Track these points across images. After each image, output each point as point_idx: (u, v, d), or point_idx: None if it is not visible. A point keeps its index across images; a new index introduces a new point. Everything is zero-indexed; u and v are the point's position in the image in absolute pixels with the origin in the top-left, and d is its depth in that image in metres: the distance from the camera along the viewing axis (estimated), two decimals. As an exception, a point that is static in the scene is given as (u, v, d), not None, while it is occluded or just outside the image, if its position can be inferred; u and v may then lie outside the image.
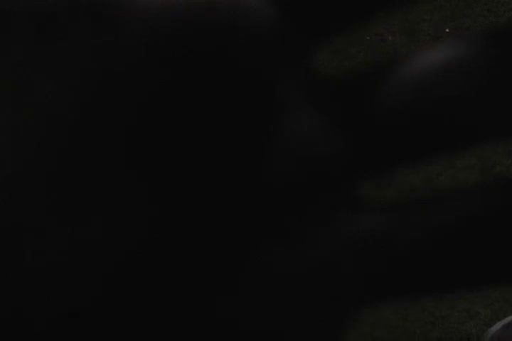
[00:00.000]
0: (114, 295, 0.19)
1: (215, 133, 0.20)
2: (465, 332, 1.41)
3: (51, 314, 0.19)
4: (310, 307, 0.21)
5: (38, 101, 0.19)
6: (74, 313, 0.19)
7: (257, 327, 0.20)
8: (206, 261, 0.20)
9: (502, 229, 0.20)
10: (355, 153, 0.21)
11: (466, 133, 0.21)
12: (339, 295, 0.21)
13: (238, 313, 0.20)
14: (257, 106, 0.20)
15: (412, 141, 0.21)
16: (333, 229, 0.21)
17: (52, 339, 0.19)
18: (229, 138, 0.20)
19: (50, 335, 0.19)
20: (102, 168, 0.19)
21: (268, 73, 0.20)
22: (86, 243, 0.19)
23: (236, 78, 0.20)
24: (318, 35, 0.21)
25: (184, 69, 0.20)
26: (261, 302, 0.20)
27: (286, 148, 0.21)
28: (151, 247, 0.19)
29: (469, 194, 0.21)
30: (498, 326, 1.44)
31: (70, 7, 0.19)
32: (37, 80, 0.19)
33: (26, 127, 0.19)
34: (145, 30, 0.19)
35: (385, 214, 0.21)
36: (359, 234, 0.21)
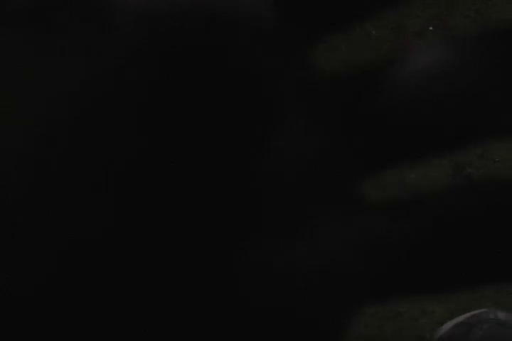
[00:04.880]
0: (111, 293, 0.19)
1: (212, 133, 0.20)
2: (418, 329, 1.42)
3: (52, 314, 0.19)
4: (309, 306, 0.21)
5: (36, 101, 0.19)
6: (73, 312, 0.19)
7: (256, 327, 0.20)
8: (206, 262, 0.20)
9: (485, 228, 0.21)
10: (355, 152, 0.21)
11: (438, 135, 0.21)
12: (339, 295, 0.21)
13: (238, 313, 0.20)
14: (255, 106, 0.20)
15: (411, 141, 0.21)
16: (333, 229, 0.21)
17: (52, 337, 0.19)
18: (227, 139, 0.20)
19: (50, 334, 0.19)
20: (100, 167, 0.19)
21: (267, 72, 0.20)
22: (86, 242, 0.19)
23: (235, 78, 0.20)
24: (316, 33, 0.21)
25: (183, 69, 0.20)
26: (260, 302, 0.20)
27: (285, 147, 0.21)
28: (150, 248, 0.19)
29: (439, 195, 0.21)
30: (449, 324, 1.45)
31: (66, 5, 0.19)
32: (34, 80, 0.19)
33: (24, 129, 0.19)
34: (143, 29, 0.19)
35: (385, 214, 0.21)
36: (359, 234, 0.21)
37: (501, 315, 1.41)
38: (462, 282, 0.21)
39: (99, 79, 0.19)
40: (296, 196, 0.21)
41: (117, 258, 0.19)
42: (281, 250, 0.21)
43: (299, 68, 0.21)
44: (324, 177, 0.21)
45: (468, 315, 1.41)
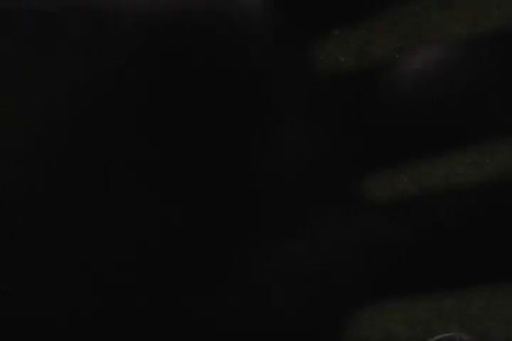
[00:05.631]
0: (108, 294, 0.19)
1: (213, 133, 0.20)
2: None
3: (52, 313, 0.19)
4: (309, 306, 0.21)
5: (36, 101, 0.19)
6: (75, 311, 0.19)
7: (256, 326, 0.20)
8: (206, 261, 0.20)
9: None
10: (355, 152, 0.21)
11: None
12: (338, 295, 0.21)
13: (237, 312, 0.20)
14: (255, 106, 0.20)
15: (411, 141, 0.21)
16: (333, 229, 0.21)
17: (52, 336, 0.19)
18: (228, 139, 0.20)
19: (50, 334, 0.19)
20: (100, 166, 0.19)
21: (267, 72, 0.20)
22: (86, 242, 0.19)
23: (235, 77, 0.20)
24: (316, 33, 0.21)
25: (183, 69, 0.20)
26: (260, 302, 0.20)
27: (285, 148, 0.21)
28: (149, 247, 0.19)
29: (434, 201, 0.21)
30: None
31: (68, 6, 0.19)
32: (34, 80, 0.19)
33: (24, 129, 0.19)
34: (143, 29, 0.19)
35: (385, 214, 0.21)
36: (359, 234, 0.21)
37: (466, 339, 1.41)
38: (462, 282, 0.21)
39: (99, 79, 0.19)
40: (296, 196, 0.21)
41: (116, 259, 0.19)
42: (281, 250, 0.20)
43: (299, 68, 0.21)
44: (324, 177, 0.21)
45: (434, 339, 1.41)
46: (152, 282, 0.19)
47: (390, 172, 0.22)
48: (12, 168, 0.19)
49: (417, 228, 0.21)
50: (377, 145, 0.21)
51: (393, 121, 0.21)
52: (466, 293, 0.20)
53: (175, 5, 0.20)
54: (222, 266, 0.20)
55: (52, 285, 0.19)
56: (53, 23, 0.20)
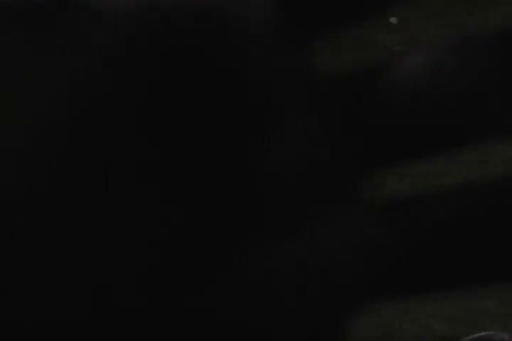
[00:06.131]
0: (107, 295, 0.19)
1: (213, 133, 0.20)
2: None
3: (53, 313, 0.19)
4: (309, 306, 0.21)
5: (36, 101, 0.19)
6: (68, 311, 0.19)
7: (256, 327, 0.20)
8: (206, 261, 0.20)
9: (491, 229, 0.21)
10: (355, 152, 0.21)
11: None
12: (339, 295, 0.21)
13: (238, 312, 0.20)
14: (256, 106, 0.20)
15: (411, 141, 0.21)
16: (333, 229, 0.21)
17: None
18: (228, 139, 0.20)
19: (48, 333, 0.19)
20: (100, 167, 0.19)
21: (267, 72, 0.20)
22: (85, 242, 0.19)
23: (235, 77, 0.20)
24: (316, 33, 0.21)
25: (183, 69, 0.20)
26: (260, 302, 0.20)
27: (285, 147, 0.21)
28: (149, 247, 0.19)
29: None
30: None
31: (66, 5, 0.19)
32: (34, 80, 0.19)
33: (24, 129, 0.19)
34: (143, 29, 0.19)
35: (385, 214, 0.21)
36: (359, 234, 0.21)
37: (507, 338, 1.40)
38: (462, 282, 0.21)
39: (99, 79, 0.19)
40: (296, 196, 0.21)
41: (115, 258, 0.19)
42: (281, 250, 0.20)
43: (299, 68, 0.21)
44: (324, 177, 0.21)
45: (475, 336, 1.41)
46: (151, 282, 0.20)
47: (390, 172, 0.22)
48: (12, 168, 0.19)
49: (417, 228, 0.21)
50: (377, 145, 0.21)
51: (393, 121, 0.21)
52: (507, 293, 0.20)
53: (174, 5, 0.20)
54: (222, 266, 0.20)
55: (51, 284, 0.19)
56: (53, 22, 0.20)
